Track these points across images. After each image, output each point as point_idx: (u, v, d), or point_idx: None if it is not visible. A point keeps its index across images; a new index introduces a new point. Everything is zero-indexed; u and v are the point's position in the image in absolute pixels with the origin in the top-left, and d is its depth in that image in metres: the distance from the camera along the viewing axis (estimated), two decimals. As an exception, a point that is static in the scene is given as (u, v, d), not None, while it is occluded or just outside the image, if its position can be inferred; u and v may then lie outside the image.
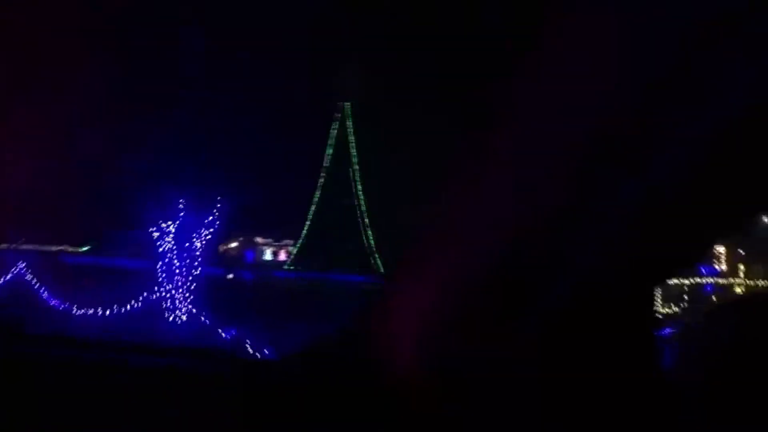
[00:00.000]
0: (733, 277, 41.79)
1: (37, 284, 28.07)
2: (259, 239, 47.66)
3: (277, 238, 48.93)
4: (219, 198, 26.68)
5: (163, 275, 26.15)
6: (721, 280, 41.37)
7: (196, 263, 26.34)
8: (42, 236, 39.00)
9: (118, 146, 39.48)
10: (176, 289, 25.85)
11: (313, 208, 49.31)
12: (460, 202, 5.32)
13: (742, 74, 4.46)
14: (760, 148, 4.44)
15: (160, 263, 26.28)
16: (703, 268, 40.22)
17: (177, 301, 25.75)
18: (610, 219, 4.68)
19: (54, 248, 39.25)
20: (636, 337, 5.23)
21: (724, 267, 43.68)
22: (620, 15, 4.73)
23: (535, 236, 4.86)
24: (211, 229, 26.54)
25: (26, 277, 28.53)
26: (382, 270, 47.10)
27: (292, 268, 47.83)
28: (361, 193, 49.50)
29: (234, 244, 46.26)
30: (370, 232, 49.21)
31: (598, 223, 4.72)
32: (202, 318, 24.34)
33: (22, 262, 28.96)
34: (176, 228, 26.09)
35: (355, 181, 49.66)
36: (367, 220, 49.53)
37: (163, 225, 26.04)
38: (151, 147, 39.09)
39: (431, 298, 5.15)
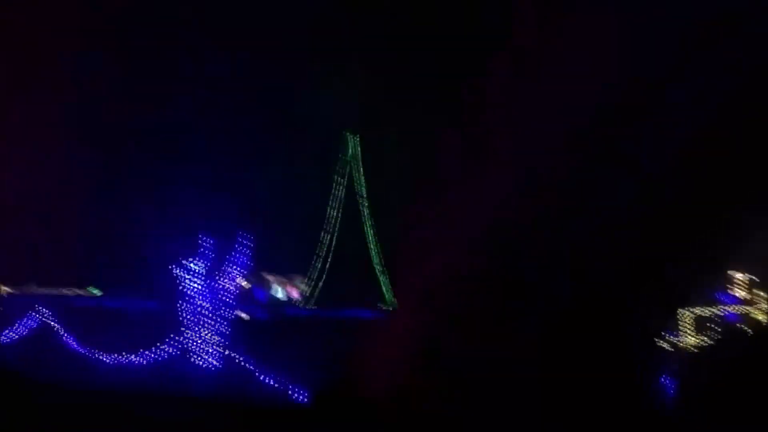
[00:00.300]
0: (753, 304, 41.25)
1: (60, 329, 27.15)
2: (267, 275, 46.97)
3: (285, 273, 48.29)
4: (242, 233, 25.88)
5: (189, 317, 25.23)
6: (741, 308, 40.80)
7: (224, 303, 25.50)
8: (49, 278, 38.31)
9: (132, 179, 39.01)
10: (204, 331, 24.93)
11: (323, 243, 48.76)
12: (460, 203, 4.90)
13: (740, 76, 4.03)
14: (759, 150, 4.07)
15: (185, 304, 25.34)
16: (722, 296, 39.67)
17: (206, 345, 24.81)
18: (611, 220, 4.19)
19: (65, 290, 38.56)
20: (633, 336, 4.82)
21: (744, 294, 43.19)
22: (620, 17, 4.29)
23: (536, 236, 4.40)
24: (237, 267, 25.72)
25: (48, 322, 27.62)
26: (393, 299, 46.50)
27: (304, 305, 47.22)
28: (371, 228, 49.01)
29: (243, 281, 45.52)
30: (379, 262, 48.62)
31: (598, 224, 4.23)
32: (239, 361, 23.44)
33: (41, 307, 28.04)
34: (201, 265, 25.21)
35: (365, 216, 49.15)
36: (376, 255, 48.94)
37: (187, 263, 25.13)
38: (165, 180, 38.57)
39: (434, 315, 4.82)
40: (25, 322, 28.19)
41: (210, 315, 25.14)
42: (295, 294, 48.20)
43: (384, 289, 48.35)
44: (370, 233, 48.57)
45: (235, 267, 25.70)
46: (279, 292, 47.89)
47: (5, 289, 37.90)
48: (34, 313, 27.97)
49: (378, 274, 47.86)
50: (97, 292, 39.98)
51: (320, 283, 48.04)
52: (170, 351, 24.83)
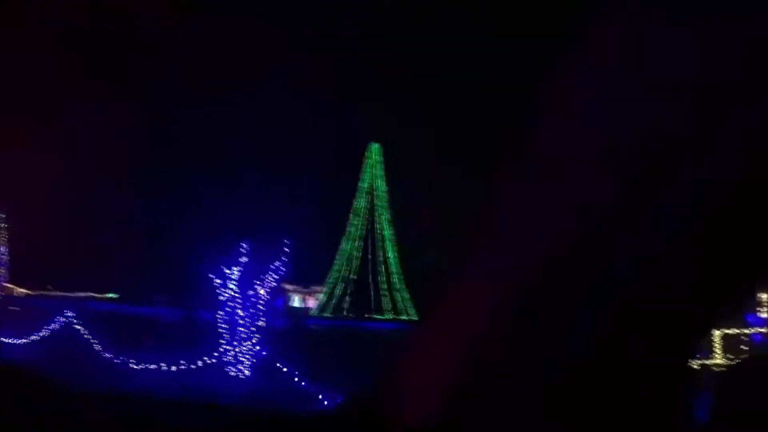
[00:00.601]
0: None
1: (88, 335, 26.21)
2: (287, 285, 46.40)
3: (305, 284, 47.92)
4: (286, 241, 25.12)
5: (226, 326, 24.36)
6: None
7: (261, 312, 24.69)
8: (72, 282, 37.52)
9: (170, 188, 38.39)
10: (241, 342, 24.03)
11: (340, 254, 48.34)
12: (498, 220, 4.42)
13: None
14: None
15: (221, 313, 24.48)
16: (750, 318, 39.15)
17: (242, 355, 23.90)
18: (660, 235, 3.59)
19: (81, 294, 37.72)
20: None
21: (769, 316, 42.53)
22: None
23: (579, 248, 3.81)
24: (276, 276, 24.91)
25: (75, 327, 26.68)
26: (411, 314, 45.97)
27: (321, 314, 46.75)
28: (389, 239, 48.45)
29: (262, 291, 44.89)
30: (398, 278, 48.10)
31: (646, 237, 3.64)
32: (276, 370, 22.56)
33: (68, 311, 27.11)
34: (239, 274, 24.34)
35: (381, 225, 48.65)
36: (394, 268, 48.40)
37: (227, 271, 24.28)
38: (201, 189, 38.02)
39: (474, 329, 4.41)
40: (47, 325, 27.35)
41: (247, 324, 24.31)
42: (311, 303, 47.81)
43: (398, 298, 47.86)
44: (389, 245, 48.04)
45: (274, 275, 24.93)
46: (296, 302, 47.47)
47: (21, 290, 37.10)
48: (58, 316, 27.12)
49: (395, 284, 47.44)
50: (113, 296, 39.22)
51: (337, 293, 47.64)
52: (206, 360, 23.95)
